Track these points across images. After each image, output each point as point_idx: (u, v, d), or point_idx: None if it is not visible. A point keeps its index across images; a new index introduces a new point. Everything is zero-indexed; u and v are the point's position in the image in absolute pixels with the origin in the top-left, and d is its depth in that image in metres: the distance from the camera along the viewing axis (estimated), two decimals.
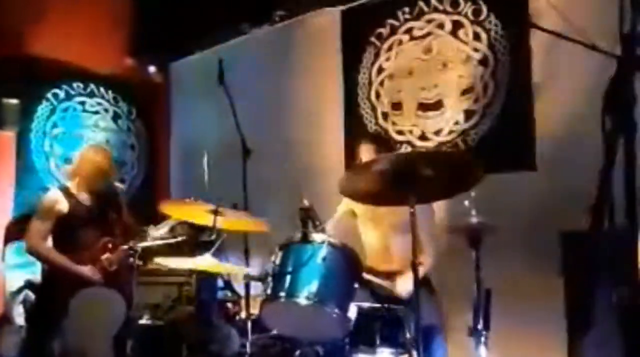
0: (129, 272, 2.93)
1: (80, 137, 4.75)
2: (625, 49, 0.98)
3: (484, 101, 3.50)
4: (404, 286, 2.70)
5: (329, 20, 4.21)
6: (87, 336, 2.73)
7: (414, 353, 2.26)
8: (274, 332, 2.58)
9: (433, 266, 2.87)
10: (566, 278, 2.26)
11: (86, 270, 3.02)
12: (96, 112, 4.93)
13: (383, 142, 3.24)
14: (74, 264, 3.01)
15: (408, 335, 2.32)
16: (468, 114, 3.55)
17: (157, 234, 3.35)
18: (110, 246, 3.14)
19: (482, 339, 2.43)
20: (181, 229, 3.83)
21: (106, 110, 5.00)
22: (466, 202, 2.47)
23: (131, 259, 2.82)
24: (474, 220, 2.49)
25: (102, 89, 4.97)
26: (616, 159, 0.93)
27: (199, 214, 2.69)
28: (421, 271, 2.65)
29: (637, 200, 0.96)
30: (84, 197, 3.21)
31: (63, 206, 3.11)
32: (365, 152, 3.04)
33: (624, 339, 0.99)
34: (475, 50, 3.55)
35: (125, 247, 3.10)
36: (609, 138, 0.92)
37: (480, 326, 2.42)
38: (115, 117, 5.05)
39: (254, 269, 2.68)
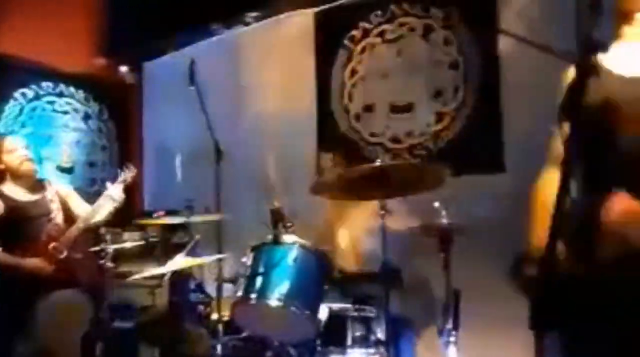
0: (99, 273, 2.89)
1: (49, 137, 4.67)
2: (582, 55, 1.01)
3: (455, 104, 3.55)
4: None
5: (302, 22, 4.23)
6: (54, 338, 2.69)
7: (384, 352, 2.30)
8: (245, 333, 2.59)
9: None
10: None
11: (37, 262, 3.01)
12: (66, 112, 4.85)
13: (354, 144, 3.27)
14: (22, 259, 2.99)
15: (379, 334, 2.36)
16: (439, 117, 3.60)
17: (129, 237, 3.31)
18: (55, 233, 3.13)
19: (451, 339, 2.47)
20: (152, 231, 3.80)
21: (76, 111, 4.92)
22: (436, 204, 2.52)
23: (102, 261, 2.78)
24: (444, 221, 2.53)
25: (72, 89, 4.88)
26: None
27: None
28: None
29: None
30: (18, 192, 3.18)
31: None
32: (336, 156, 3.08)
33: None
34: (446, 54, 3.60)
35: (75, 233, 3.11)
36: (567, 143, 0.96)
37: (449, 326, 2.47)
38: (86, 118, 4.97)
39: (227, 267, 2.68)
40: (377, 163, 2.33)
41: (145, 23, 4.56)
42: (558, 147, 1.31)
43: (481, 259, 3.15)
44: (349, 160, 3.01)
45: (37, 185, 3.26)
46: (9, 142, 3.26)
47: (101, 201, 3.20)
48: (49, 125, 4.72)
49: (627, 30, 1.34)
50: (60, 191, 3.34)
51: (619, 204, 1.22)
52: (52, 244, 3.09)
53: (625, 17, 1.32)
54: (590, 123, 1.33)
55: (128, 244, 3.28)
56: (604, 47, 1.02)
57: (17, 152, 3.20)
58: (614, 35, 1.36)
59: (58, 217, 3.22)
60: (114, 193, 3.20)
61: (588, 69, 1.03)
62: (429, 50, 3.67)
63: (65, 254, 3.08)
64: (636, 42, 1.33)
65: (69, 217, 3.26)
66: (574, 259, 1.19)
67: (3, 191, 3.16)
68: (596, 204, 1.27)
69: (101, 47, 4.95)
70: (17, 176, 3.19)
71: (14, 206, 3.11)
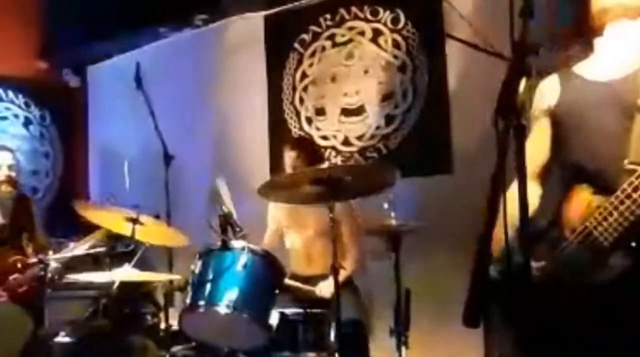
0: (40, 286, 2.77)
1: None
2: (514, 55, 1.04)
3: (404, 107, 3.60)
4: (327, 288, 2.72)
5: (251, 25, 4.20)
6: None
7: (337, 356, 2.29)
8: (195, 342, 2.53)
9: (358, 269, 2.92)
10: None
11: None
12: (4, 118, 4.64)
13: (306, 147, 3.25)
14: None
15: (331, 338, 2.35)
16: (388, 119, 3.64)
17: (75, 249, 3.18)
18: (19, 265, 2.97)
19: (402, 339, 2.49)
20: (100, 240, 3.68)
21: (16, 116, 4.72)
22: (385, 205, 2.53)
23: (42, 273, 2.65)
24: (393, 222, 2.55)
25: (11, 93, 4.69)
26: (506, 162, 0.98)
27: (117, 222, 2.58)
28: (343, 274, 2.69)
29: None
30: None
31: None
32: (288, 159, 3.06)
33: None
34: (395, 57, 3.65)
35: (35, 266, 2.91)
36: (500, 141, 0.98)
37: (400, 326, 2.49)
38: (27, 123, 4.78)
39: (177, 279, 2.61)
40: (326, 165, 2.32)
41: (89, 25, 4.43)
42: (533, 161, 1.41)
43: (430, 258, 3.20)
44: (307, 162, 3.00)
45: (15, 207, 3.08)
46: None
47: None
48: None
49: (597, 41, 1.45)
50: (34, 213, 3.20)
51: (580, 198, 1.28)
52: (13, 276, 2.92)
53: (596, 31, 1.43)
54: (557, 123, 1.45)
55: (70, 254, 3.14)
56: (535, 49, 1.06)
57: None
58: (589, 48, 1.46)
59: (28, 247, 3.08)
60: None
61: (520, 70, 1.06)
62: (378, 54, 3.71)
63: (24, 288, 2.92)
64: (606, 51, 1.44)
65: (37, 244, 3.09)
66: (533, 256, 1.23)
67: None
68: (559, 200, 1.33)
69: (42, 51, 4.78)
70: None
71: None
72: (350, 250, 2.90)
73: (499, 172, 0.97)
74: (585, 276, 1.25)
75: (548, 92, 1.47)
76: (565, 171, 1.41)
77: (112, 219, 2.60)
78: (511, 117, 0.98)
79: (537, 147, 1.47)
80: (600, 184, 1.28)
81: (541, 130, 1.48)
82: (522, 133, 1.00)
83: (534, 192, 1.45)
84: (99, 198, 4.95)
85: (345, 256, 2.86)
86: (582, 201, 1.29)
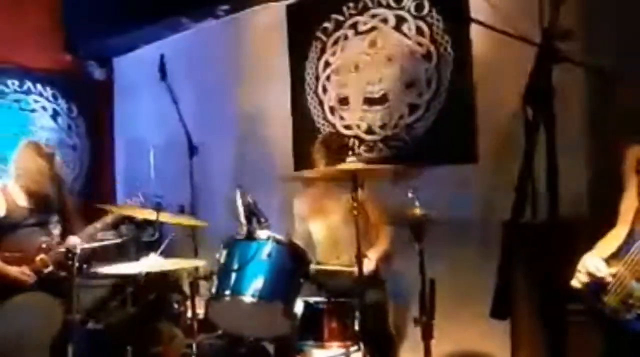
0: (69, 275, 2.82)
1: (16, 136, 4.54)
2: (544, 41, 1.01)
3: (428, 95, 3.55)
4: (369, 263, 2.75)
5: (274, 14, 4.18)
6: (22, 343, 2.62)
7: (362, 345, 2.29)
8: (220, 330, 2.56)
9: (389, 249, 2.92)
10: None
11: (15, 270, 2.90)
12: (33, 110, 4.73)
13: (334, 141, 3.27)
14: (5, 265, 2.89)
15: (356, 327, 2.35)
16: (412, 108, 3.60)
17: (98, 233, 3.23)
18: (45, 247, 3.02)
19: (427, 328, 2.47)
20: (126, 229, 3.74)
21: (44, 108, 4.80)
22: (409, 194, 2.51)
23: (70, 262, 2.71)
24: (417, 211, 2.53)
25: (39, 86, 4.77)
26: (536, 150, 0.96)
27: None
28: (380, 249, 2.74)
29: (558, 191, 0.99)
30: (23, 199, 3.07)
31: (12, 196, 3.02)
32: (317, 154, 3.08)
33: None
34: (419, 44, 3.60)
35: (63, 248, 2.97)
36: (530, 129, 0.95)
37: (425, 316, 2.47)
38: (55, 115, 4.86)
39: (202, 265, 2.64)
40: (349, 162, 2.33)
41: (114, 18, 4.47)
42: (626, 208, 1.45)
43: (455, 248, 3.17)
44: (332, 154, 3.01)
45: (48, 196, 3.13)
46: (32, 150, 3.15)
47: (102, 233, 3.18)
48: (16, 124, 4.60)
49: None
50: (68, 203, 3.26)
51: None
52: (39, 257, 2.97)
53: None
54: None
55: (98, 243, 3.20)
56: (566, 34, 1.02)
57: (37, 164, 3.10)
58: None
59: (56, 228, 3.13)
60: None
61: (550, 56, 1.03)
62: (401, 41, 3.66)
63: (50, 268, 2.97)
64: None
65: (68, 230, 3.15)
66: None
67: (10, 191, 3.06)
68: None
69: (69, 44, 4.84)
70: (30, 184, 3.09)
71: (14, 211, 3.01)
72: (382, 228, 2.92)
73: (528, 160, 0.95)
74: None
75: None
76: None
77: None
78: (540, 104, 0.95)
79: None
80: None
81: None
82: (551, 120, 0.97)
83: None
84: (125, 189, 5.03)
85: (378, 236, 2.89)
86: None
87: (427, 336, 2.41)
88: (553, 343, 0.97)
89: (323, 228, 3.08)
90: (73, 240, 3.05)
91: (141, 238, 3.25)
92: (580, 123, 2.83)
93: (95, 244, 3.24)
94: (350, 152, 3.37)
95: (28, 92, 4.71)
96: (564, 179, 1.17)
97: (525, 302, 1.20)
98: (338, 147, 3.11)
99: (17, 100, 4.64)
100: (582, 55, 2.25)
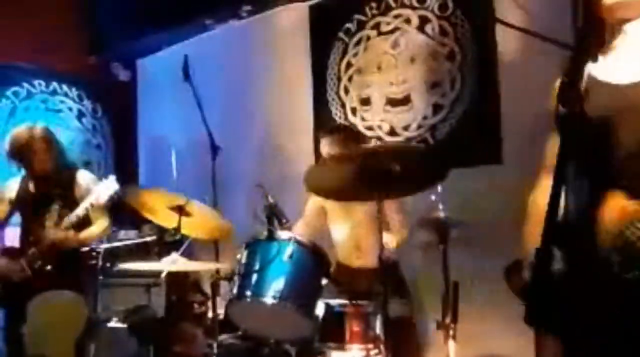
0: (92, 273, 2.84)
1: None
2: (578, 40, 0.98)
3: (452, 96, 3.51)
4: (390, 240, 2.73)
5: (296, 15, 4.18)
6: (46, 341, 2.65)
7: (383, 348, 2.27)
8: (241, 331, 2.55)
9: (405, 237, 2.88)
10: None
11: (7, 264, 2.80)
12: (59, 111, 4.81)
13: (349, 133, 3.22)
14: None
15: (377, 330, 2.32)
16: (436, 109, 3.56)
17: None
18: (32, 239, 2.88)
19: (450, 332, 2.44)
20: (149, 229, 3.77)
21: (70, 109, 4.88)
22: (433, 197, 2.48)
23: (94, 261, 2.73)
24: (442, 214, 2.50)
25: (65, 87, 4.84)
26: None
27: (165, 214, 2.61)
28: (395, 239, 2.70)
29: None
30: (30, 184, 3.02)
31: (10, 192, 2.99)
32: (327, 146, 3.03)
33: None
34: (442, 45, 3.56)
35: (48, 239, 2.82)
36: (562, 130, 0.92)
37: (448, 319, 2.44)
38: (80, 116, 4.93)
39: (224, 269, 2.64)
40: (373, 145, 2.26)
41: (138, 20, 4.52)
42: (552, 153, 1.28)
43: (479, 251, 3.12)
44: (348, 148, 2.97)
45: (53, 179, 2.98)
46: (19, 132, 3.02)
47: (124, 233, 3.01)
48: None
49: (616, 41, 1.27)
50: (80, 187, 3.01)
51: (615, 204, 1.20)
52: (32, 250, 2.84)
53: (614, 29, 1.25)
54: (586, 130, 1.32)
55: (121, 243, 3.23)
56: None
57: (22, 144, 2.93)
58: (605, 47, 1.31)
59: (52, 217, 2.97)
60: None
61: (584, 56, 1.00)
62: (425, 42, 3.63)
63: (39, 263, 2.81)
64: (625, 52, 1.26)
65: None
66: (571, 260, 1.16)
67: (24, 176, 3.00)
68: (592, 205, 1.25)
69: (94, 45, 4.91)
70: (29, 167, 2.98)
71: (21, 196, 2.97)
72: (398, 217, 2.87)
73: (562, 162, 0.91)
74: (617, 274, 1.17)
75: None
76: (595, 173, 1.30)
77: (160, 209, 2.61)
78: (574, 104, 0.92)
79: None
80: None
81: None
82: (584, 121, 0.94)
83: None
84: (148, 188, 5.07)
85: (389, 226, 2.85)
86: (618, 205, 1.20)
87: (450, 339, 2.37)
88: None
89: (345, 229, 3.05)
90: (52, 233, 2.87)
91: (164, 238, 3.27)
92: None
93: (118, 244, 3.26)
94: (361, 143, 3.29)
95: (54, 92, 4.79)
96: None
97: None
98: (347, 137, 3.05)
99: (43, 101, 4.72)
100: None
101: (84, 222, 2.87)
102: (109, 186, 2.79)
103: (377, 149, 2.32)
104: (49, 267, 2.78)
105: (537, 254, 0.94)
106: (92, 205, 2.76)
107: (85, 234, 2.92)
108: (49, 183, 2.96)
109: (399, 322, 2.53)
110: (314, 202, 3.16)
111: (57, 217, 2.87)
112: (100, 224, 2.98)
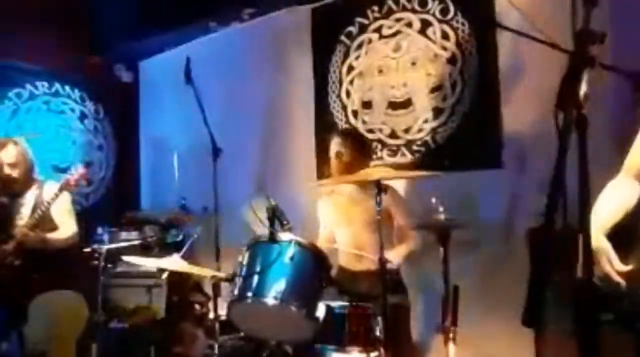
0: (94, 274, 2.86)
1: (45, 137, 4.64)
2: (577, 45, 0.99)
3: (453, 99, 3.53)
4: (396, 256, 2.76)
5: (298, 18, 4.19)
6: (48, 341, 2.66)
7: (383, 350, 2.28)
8: (242, 332, 2.56)
9: (419, 244, 2.90)
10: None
11: None
12: (62, 112, 4.82)
13: (358, 139, 3.25)
14: None
15: (377, 332, 2.33)
16: (437, 112, 3.57)
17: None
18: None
19: (451, 335, 2.45)
20: (150, 230, 3.78)
21: (72, 110, 4.89)
22: (434, 199, 2.49)
23: (96, 262, 2.74)
24: (442, 217, 2.51)
25: (67, 88, 4.86)
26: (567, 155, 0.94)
27: None
28: (405, 250, 2.72)
29: (590, 196, 0.97)
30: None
31: None
32: (337, 145, 3.06)
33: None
34: (444, 48, 3.57)
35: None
36: (562, 135, 0.94)
37: (448, 322, 2.44)
38: (82, 117, 4.95)
39: (225, 270, 2.65)
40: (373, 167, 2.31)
41: (141, 21, 4.54)
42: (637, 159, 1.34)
43: (479, 254, 3.13)
44: (353, 153, 3.00)
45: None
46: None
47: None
48: (45, 126, 4.69)
49: None
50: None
51: None
52: (1, 247, 3.05)
53: None
54: None
55: (123, 243, 3.24)
56: (600, 38, 1.00)
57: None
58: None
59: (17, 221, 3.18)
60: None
61: (583, 61, 1.01)
62: (426, 45, 3.64)
63: (9, 259, 3.02)
64: None
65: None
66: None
67: None
68: None
69: (96, 47, 4.93)
70: None
71: None
72: (406, 230, 2.90)
73: (560, 167, 0.93)
74: None
75: None
76: None
77: None
78: (573, 110, 0.93)
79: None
80: None
81: None
82: (584, 126, 0.95)
83: (635, 191, 1.40)
84: (149, 189, 5.09)
85: (402, 239, 2.88)
86: None
87: (449, 342, 2.38)
88: (583, 353, 0.95)
89: (347, 234, 3.06)
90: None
91: (165, 239, 3.28)
92: (609, 128, 2.78)
93: (116, 245, 3.28)
94: (373, 155, 3.35)
95: (57, 94, 4.80)
96: (595, 185, 1.15)
97: (552, 310, 1.17)
98: (359, 144, 3.09)
99: (46, 102, 4.74)
100: (612, 60, 2.20)
101: (51, 226, 3.19)
102: (52, 189, 3.20)
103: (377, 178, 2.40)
104: (17, 262, 3.02)
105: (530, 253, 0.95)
106: (45, 207, 3.12)
107: (52, 235, 3.16)
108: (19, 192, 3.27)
109: (396, 310, 2.55)
110: (324, 207, 3.18)
111: (26, 219, 3.17)
112: (66, 229, 3.23)
